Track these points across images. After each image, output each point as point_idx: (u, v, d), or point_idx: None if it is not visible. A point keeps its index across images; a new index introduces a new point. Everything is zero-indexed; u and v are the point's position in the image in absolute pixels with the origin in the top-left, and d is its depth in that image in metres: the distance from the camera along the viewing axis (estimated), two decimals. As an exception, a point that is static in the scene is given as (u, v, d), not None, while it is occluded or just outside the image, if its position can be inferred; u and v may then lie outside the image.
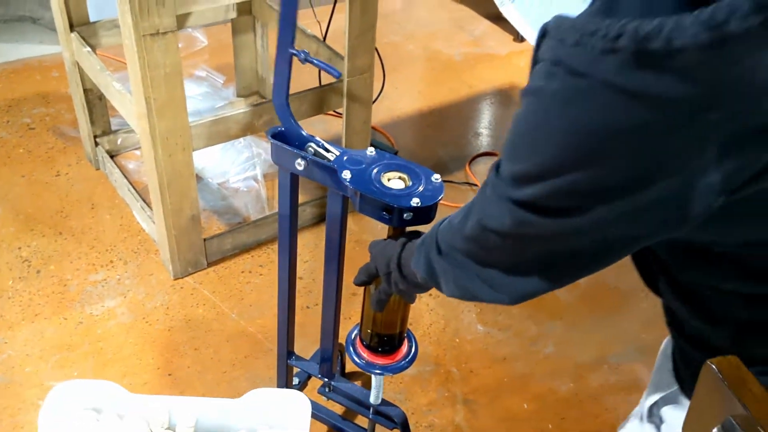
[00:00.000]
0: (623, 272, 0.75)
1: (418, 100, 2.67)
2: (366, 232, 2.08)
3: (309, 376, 1.48)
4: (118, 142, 2.25)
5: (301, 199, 2.15)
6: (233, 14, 2.24)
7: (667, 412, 0.85)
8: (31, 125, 2.38)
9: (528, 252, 0.71)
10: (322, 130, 2.42)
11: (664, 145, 0.55)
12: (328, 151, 1.13)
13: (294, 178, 1.16)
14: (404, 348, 1.24)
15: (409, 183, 1.05)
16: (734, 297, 0.70)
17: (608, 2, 0.56)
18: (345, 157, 1.08)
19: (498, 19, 3.20)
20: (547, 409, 1.67)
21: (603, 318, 1.90)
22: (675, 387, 0.82)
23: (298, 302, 1.62)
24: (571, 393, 1.71)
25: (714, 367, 0.53)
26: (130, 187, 2.07)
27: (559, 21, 0.57)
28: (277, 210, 2.05)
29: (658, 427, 0.87)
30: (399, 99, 2.64)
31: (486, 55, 2.96)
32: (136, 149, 2.29)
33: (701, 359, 0.61)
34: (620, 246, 0.66)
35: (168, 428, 0.94)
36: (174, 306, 1.84)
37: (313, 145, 1.14)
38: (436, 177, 1.06)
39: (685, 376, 0.80)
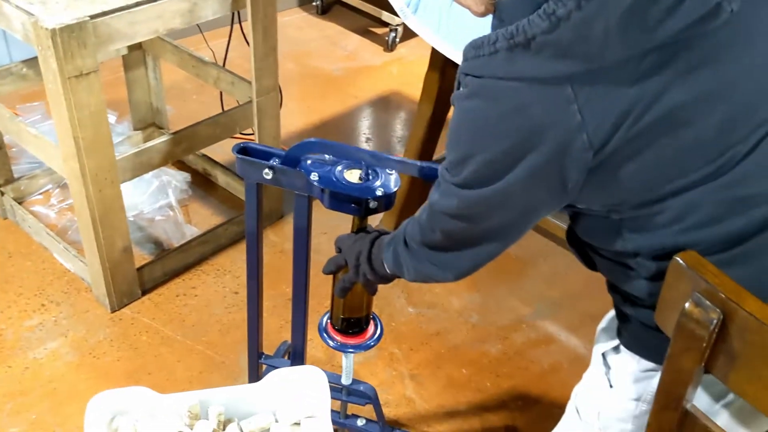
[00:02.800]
0: (521, 243, 0.97)
1: (309, 115, 2.82)
2: (288, 241, 2.20)
3: (277, 374, 1.59)
4: (22, 188, 2.23)
5: (218, 219, 2.24)
6: (124, 50, 2.29)
7: (612, 360, 1.02)
8: None
9: (467, 232, 0.93)
10: (229, 149, 2.51)
11: (540, 116, 0.76)
12: (287, 160, 1.26)
13: (260, 188, 1.28)
14: (371, 328, 1.39)
15: (369, 177, 1.21)
16: (640, 260, 0.87)
17: (496, 19, 0.82)
18: (309, 161, 1.22)
19: (366, 33, 3.41)
20: (482, 370, 1.88)
21: (513, 284, 2.14)
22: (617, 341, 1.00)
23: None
24: (500, 353, 1.93)
25: (679, 259, 0.73)
26: (47, 230, 2.07)
27: (466, 47, 0.83)
28: (197, 234, 2.13)
29: (607, 374, 1.03)
30: (291, 115, 2.78)
31: (363, 68, 3.16)
32: (39, 194, 2.28)
33: (632, 313, 0.88)
34: (527, 216, 0.88)
35: (199, 419, 1.03)
36: (117, 338, 1.88)
37: (276, 159, 1.26)
38: (391, 170, 1.22)
39: (622, 330, 0.97)
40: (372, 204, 1.19)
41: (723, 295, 0.69)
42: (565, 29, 0.72)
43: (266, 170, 1.23)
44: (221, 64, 2.31)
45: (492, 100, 0.79)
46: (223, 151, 2.38)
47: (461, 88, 0.84)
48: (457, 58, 1.61)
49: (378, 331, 1.40)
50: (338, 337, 1.36)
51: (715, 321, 0.69)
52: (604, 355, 1.02)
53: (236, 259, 2.12)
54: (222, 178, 2.38)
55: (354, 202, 1.19)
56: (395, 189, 1.20)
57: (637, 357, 0.95)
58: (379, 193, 1.18)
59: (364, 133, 2.80)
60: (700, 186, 0.78)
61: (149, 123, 2.51)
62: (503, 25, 0.78)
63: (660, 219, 0.80)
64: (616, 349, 1.00)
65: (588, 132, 0.74)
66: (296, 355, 1.47)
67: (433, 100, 2.00)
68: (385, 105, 2.96)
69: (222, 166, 2.38)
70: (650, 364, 0.93)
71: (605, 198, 0.82)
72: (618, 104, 0.74)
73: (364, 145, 2.71)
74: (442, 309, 2.04)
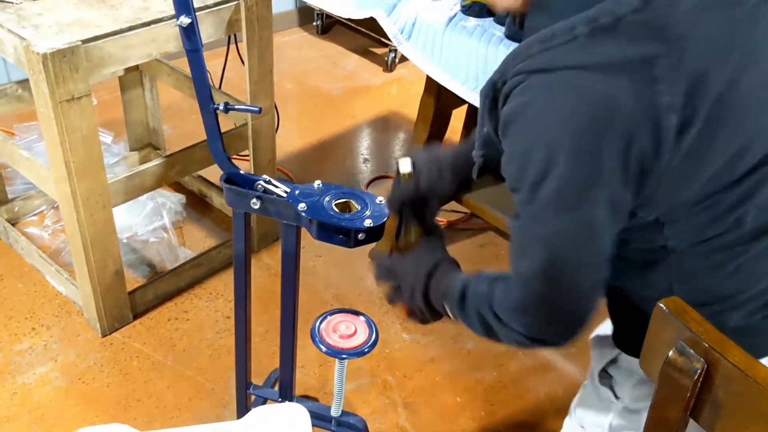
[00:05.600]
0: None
1: (306, 136, 2.82)
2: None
3: (265, 401, 1.57)
4: (16, 209, 2.22)
5: (213, 242, 2.23)
6: (121, 71, 2.28)
7: (614, 371, 1.03)
8: None
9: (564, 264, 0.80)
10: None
11: (631, 102, 0.70)
12: (276, 186, 1.24)
13: (247, 216, 1.26)
14: (365, 333, 1.32)
15: (358, 207, 1.19)
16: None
17: (538, 14, 0.77)
18: (297, 192, 1.20)
19: (365, 53, 3.41)
20: (477, 398, 1.85)
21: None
22: (617, 352, 1.00)
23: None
24: (495, 381, 1.90)
25: (663, 306, 0.71)
26: (39, 252, 2.05)
27: (518, 49, 0.75)
28: (191, 256, 2.12)
29: (611, 386, 1.04)
30: (289, 136, 2.77)
31: (362, 87, 3.16)
32: (33, 215, 2.27)
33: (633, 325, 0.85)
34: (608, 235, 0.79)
35: (180, 458, 1.01)
36: (107, 363, 1.86)
37: (261, 182, 1.25)
38: (380, 199, 1.21)
39: (626, 340, 0.97)
40: (360, 236, 1.17)
41: (706, 344, 0.67)
42: (657, 5, 0.70)
43: (254, 200, 1.21)
44: (218, 84, 2.31)
45: (574, 94, 0.71)
46: (218, 172, 2.36)
47: (510, 101, 0.75)
48: (451, 84, 1.61)
49: (373, 337, 1.34)
50: (330, 342, 1.29)
51: (698, 371, 0.67)
52: (605, 368, 1.01)
53: (229, 282, 2.10)
54: (217, 200, 2.37)
55: (342, 233, 1.17)
56: (384, 220, 1.18)
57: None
58: (367, 224, 1.16)
59: (362, 154, 2.78)
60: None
61: (146, 143, 2.50)
62: (550, 18, 0.74)
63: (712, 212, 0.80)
64: (614, 361, 0.99)
65: (675, 111, 0.72)
66: (284, 387, 1.44)
67: (429, 123, 1.99)
68: (384, 125, 2.95)
69: (217, 187, 2.37)
70: None
71: (677, 192, 0.78)
72: (700, 82, 0.72)
73: (362, 166, 2.69)
74: (438, 335, 2.01)
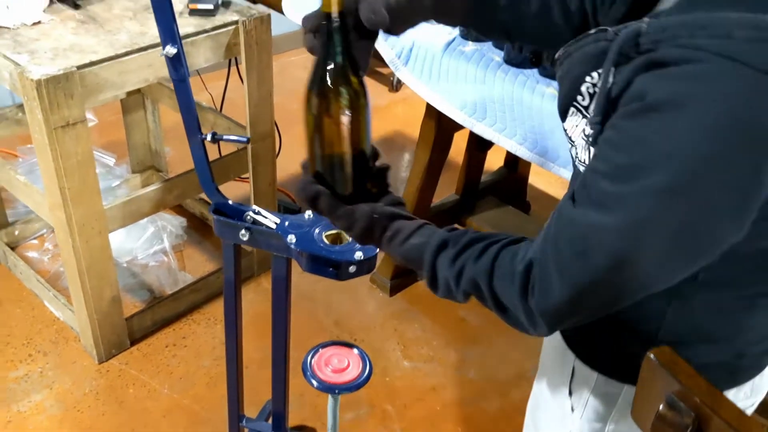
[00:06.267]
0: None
1: (310, 157, 2.79)
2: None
3: (260, 435, 1.54)
4: (16, 233, 2.21)
5: (213, 265, 2.20)
6: (123, 94, 2.28)
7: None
8: None
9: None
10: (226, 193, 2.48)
11: None
12: (265, 217, 1.22)
13: (237, 248, 1.24)
14: (359, 367, 1.28)
15: (349, 239, 1.16)
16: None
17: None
18: (286, 223, 1.18)
19: (371, 72, 3.39)
20: (479, 429, 1.81)
21: (513, 337, 2.07)
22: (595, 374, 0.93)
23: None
24: (498, 410, 1.85)
25: (652, 356, 0.67)
26: (37, 277, 2.04)
27: (704, 17, 0.59)
28: (190, 281, 2.09)
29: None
30: (292, 156, 2.73)
31: (367, 108, 3.13)
32: (34, 238, 2.26)
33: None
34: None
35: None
36: (103, 391, 1.83)
37: (250, 213, 1.22)
38: (371, 231, 1.18)
39: (595, 351, 0.91)
40: (351, 268, 1.14)
41: (697, 399, 0.63)
42: None
43: (242, 231, 1.19)
44: (219, 106, 2.29)
45: None
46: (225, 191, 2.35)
47: (667, 76, 0.59)
48: (448, 109, 1.58)
49: (366, 371, 1.31)
50: (323, 377, 1.26)
51: (689, 427, 0.63)
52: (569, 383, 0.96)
53: (229, 307, 2.08)
54: (219, 223, 2.34)
55: (332, 265, 1.14)
56: (375, 252, 1.15)
57: (598, 377, 0.91)
58: (357, 256, 1.13)
59: (367, 176, 2.76)
60: None
61: (148, 165, 2.49)
62: (704, 5, 0.61)
63: None
64: (572, 373, 0.95)
65: None
66: (278, 419, 1.41)
67: (430, 147, 1.96)
68: (389, 146, 2.92)
69: (219, 210, 2.35)
70: (613, 382, 0.89)
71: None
72: None
73: (366, 188, 2.66)
74: (439, 363, 1.97)
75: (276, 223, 1.18)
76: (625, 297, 0.68)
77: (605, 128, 0.66)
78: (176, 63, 1.08)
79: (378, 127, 3.00)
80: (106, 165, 2.57)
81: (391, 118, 3.08)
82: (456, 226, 0.80)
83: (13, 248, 2.17)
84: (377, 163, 0.84)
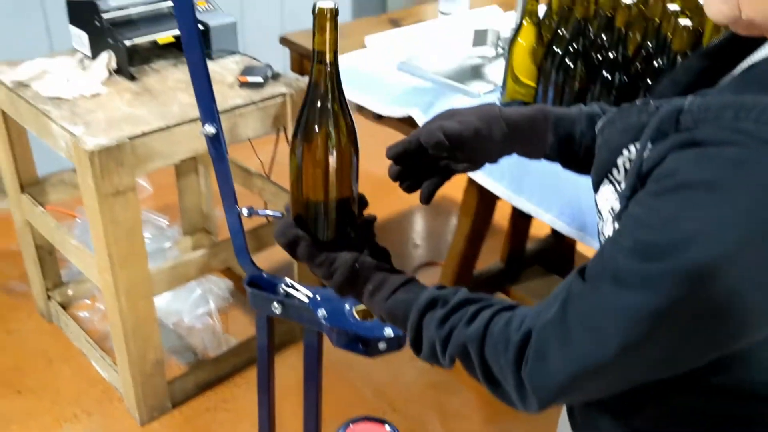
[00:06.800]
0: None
1: (356, 221, 2.82)
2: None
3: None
4: (69, 293, 2.28)
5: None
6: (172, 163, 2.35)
7: None
8: (-23, 284, 2.39)
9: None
10: (263, 259, 2.52)
11: None
12: (297, 290, 1.23)
13: (270, 320, 1.25)
14: None
15: (380, 315, 1.16)
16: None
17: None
18: (318, 296, 1.18)
19: (420, 136, 3.43)
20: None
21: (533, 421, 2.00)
22: None
23: None
24: (540, 489, 1.79)
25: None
26: (86, 337, 2.09)
27: (748, 99, 0.58)
28: (235, 343, 2.11)
29: None
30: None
31: (414, 172, 3.16)
32: (86, 299, 2.33)
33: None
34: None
35: None
36: (143, 453, 1.85)
37: (283, 286, 1.24)
38: (403, 306, 1.17)
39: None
40: (381, 345, 1.13)
41: None
42: None
43: (275, 304, 1.20)
44: (268, 171, 2.34)
45: None
46: (265, 258, 2.38)
47: (704, 158, 0.58)
48: (485, 181, 1.57)
49: None
50: None
51: None
52: None
53: (270, 372, 2.08)
54: (264, 286, 2.37)
55: (362, 341, 1.13)
56: (406, 328, 1.14)
57: None
58: (387, 333, 1.12)
59: (412, 239, 2.76)
60: None
61: (199, 228, 2.55)
62: (756, 88, 0.60)
63: None
64: None
65: None
66: (309, 491, 1.39)
67: (472, 215, 1.96)
68: (435, 210, 2.93)
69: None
70: None
71: None
72: None
73: (412, 252, 2.67)
74: (480, 435, 1.92)
75: (308, 297, 1.19)
76: (634, 379, 0.65)
77: (631, 203, 0.64)
78: (215, 142, 1.12)
79: (425, 191, 3.01)
80: (159, 227, 2.64)
81: (438, 182, 3.09)
82: (484, 295, 0.76)
83: (65, 307, 2.23)
84: (365, 214, 0.83)
